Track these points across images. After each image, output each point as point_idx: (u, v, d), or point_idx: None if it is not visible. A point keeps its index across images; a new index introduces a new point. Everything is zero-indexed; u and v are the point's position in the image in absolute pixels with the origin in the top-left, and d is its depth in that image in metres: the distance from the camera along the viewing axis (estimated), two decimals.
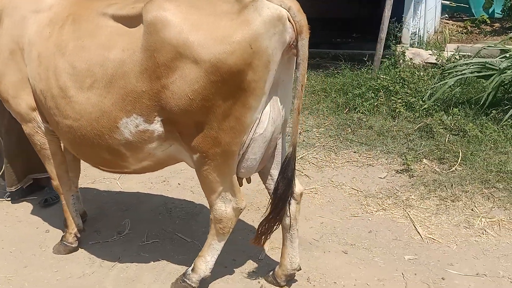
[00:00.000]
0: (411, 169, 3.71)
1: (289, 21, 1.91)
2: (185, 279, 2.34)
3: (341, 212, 3.23)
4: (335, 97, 5.30)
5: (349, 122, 4.69)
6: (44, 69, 2.22)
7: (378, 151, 4.10)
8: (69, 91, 2.12)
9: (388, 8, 6.02)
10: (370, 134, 4.40)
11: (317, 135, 4.48)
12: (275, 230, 2.27)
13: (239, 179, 2.29)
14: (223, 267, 2.57)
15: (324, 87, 5.68)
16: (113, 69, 1.99)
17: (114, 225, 3.08)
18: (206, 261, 2.35)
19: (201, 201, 3.34)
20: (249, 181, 2.39)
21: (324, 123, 4.71)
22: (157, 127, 2.06)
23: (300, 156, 4.05)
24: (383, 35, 6.04)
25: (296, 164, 2.25)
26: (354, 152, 4.14)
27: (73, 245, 2.74)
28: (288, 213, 2.31)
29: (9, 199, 3.36)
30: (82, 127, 2.15)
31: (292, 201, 2.31)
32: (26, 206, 3.32)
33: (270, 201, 2.21)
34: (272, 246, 2.77)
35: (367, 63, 6.10)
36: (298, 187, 2.32)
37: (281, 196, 2.18)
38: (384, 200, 3.36)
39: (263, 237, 2.26)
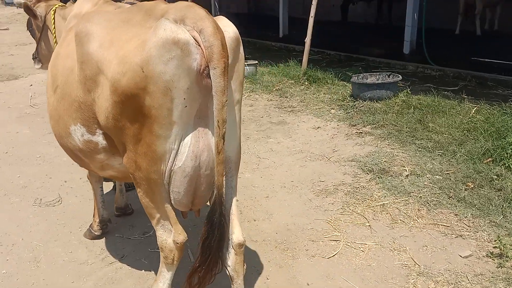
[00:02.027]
0: (504, 255, 2.70)
1: (200, 45, 1.74)
2: None
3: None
4: (481, 139, 4.25)
5: (478, 176, 3.70)
6: None
7: (486, 221, 3.13)
8: (47, 93, 2.46)
9: None
10: (492, 196, 3.39)
11: (425, 182, 3.72)
12: (210, 282, 2.08)
13: (183, 212, 2.20)
14: None
15: (474, 123, 4.61)
16: (66, 77, 2.21)
17: (149, 224, 3.35)
18: (158, 287, 2.35)
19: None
20: (184, 216, 2.27)
21: (448, 170, 3.86)
22: (100, 139, 2.17)
23: (383, 203, 3.48)
24: None
25: (232, 208, 2.03)
26: (454, 215, 3.27)
27: (96, 233, 3.13)
28: (226, 265, 2.08)
29: None
30: (53, 127, 2.45)
31: (230, 252, 2.07)
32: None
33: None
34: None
35: None
36: (236, 236, 2.07)
37: (207, 244, 1.98)
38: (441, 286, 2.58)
39: None
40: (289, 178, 4.08)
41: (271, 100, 6.53)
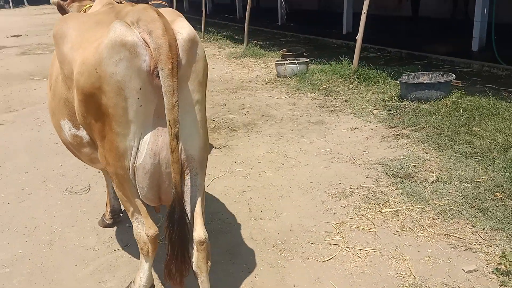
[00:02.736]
0: (510, 273, 2.48)
1: (149, 47, 1.83)
2: None
3: None
4: None
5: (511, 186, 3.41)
6: None
7: (504, 236, 2.88)
8: (47, 90, 2.69)
9: None
10: None
11: (450, 190, 3.50)
12: (186, 274, 2.18)
13: (155, 207, 2.32)
14: None
15: None
16: (56, 75, 2.42)
17: (157, 216, 3.53)
18: (139, 277, 2.50)
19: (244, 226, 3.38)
20: (156, 210, 2.37)
21: (480, 178, 3.61)
22: (83, 134, 2.34)
23: (397, 209, 3.35)
24: None
25: (196, 207, 2.11)
26: (471, 226, 3.06)
27: (108, 222, 3.37)
28: (191, 261, 2.17)
29: None
30: (52, 121, 2.68)
31: (193, 248, 2.15)
32: None
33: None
34: None
35: None
36: (197, 233, 2.14)
37: (170, 239, 2.08)
38: None
39: (175, 279, 2.21)
40: (309, 179, 4.05)
41: (315, 99, 6.48)
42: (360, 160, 4.36)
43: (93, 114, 2.01)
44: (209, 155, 4.48)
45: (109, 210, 3.39)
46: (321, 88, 6.83)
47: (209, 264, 2.23)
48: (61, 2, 3.55)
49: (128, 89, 1.87)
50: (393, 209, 3.40)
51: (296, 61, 7.65)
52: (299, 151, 4.71)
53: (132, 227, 2.22)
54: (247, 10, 10.04)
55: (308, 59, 7.91)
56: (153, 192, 2.13)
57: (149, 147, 1.99)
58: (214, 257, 2.98)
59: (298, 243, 3.11)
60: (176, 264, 2.12)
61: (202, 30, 12.60)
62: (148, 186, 2.09)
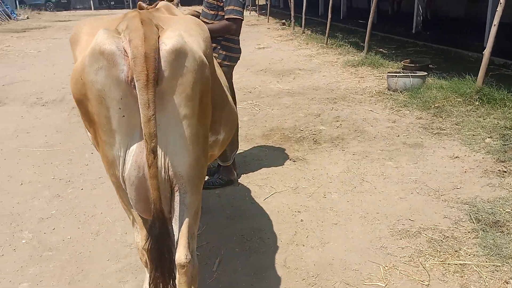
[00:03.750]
0: None
1: (128, 56, 1.77)
2: None
3: None
4: None
5: None
6: None
7: None
8: None
9: None
10: None
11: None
12: None
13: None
14: None
15: None
16: None
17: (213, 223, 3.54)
18: (144, 286, 2.50)
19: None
20: None
21: None
22: None
23: (465, 262, 2.84)
24: None
25: (182, 227, 2.02)
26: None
27: None
28: (175, 282, 2.09)
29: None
30: None
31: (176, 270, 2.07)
32: None
33: None
34: None
35: None
36: (178, 255, 2.02)
37: (151, 256, 2.03)
38: None
39: None
40: (377, 209, 3.66)
41: (420, 118, 5.87)
42: (446, 195, 3.80)
43: (86, 121, 2.04)
44: (280, 167, 4.45)
45: None
46: (432, 106, 6.16)
47: None
48: (142, 4, 3.75)
49: (108, 98, 1.84)
50: (461, 261, 2.87)
51: (410, 74, 7.03)
52: (379, 176, 4.30)
53: None
54: (370, 16, 9.56)
55: (426, 73, 7.21)
56: (141, 205, 2.09)
57: (133, 159, 1.95)
58: (239, 276, 2.88)
59: (331, 281, 2.81)
60: (157, 284, 2.05)
61: (326, 35, 12.39)
62: (136, 198, 2.05)
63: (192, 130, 1.96)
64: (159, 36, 1.82)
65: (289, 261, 3.04)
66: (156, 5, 2.90)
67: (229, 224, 3.52)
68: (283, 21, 17.51)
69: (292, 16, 15.82)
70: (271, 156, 4.88)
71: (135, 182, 1.98)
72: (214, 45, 3.96)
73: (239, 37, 4.12)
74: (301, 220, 3.54)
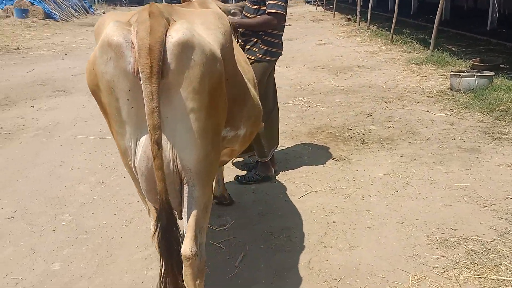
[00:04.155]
0: None
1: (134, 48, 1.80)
2: None
3: None
4: None
5: None
6: None
7: None
8: None
9: None
10: None
11: None
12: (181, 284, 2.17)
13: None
14: None
15: None
16: None
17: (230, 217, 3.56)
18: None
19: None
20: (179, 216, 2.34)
21: None
22: None
23: (503, 278, 2.64)
24: None
25: (189, 219, 2.04)
26: None
27: None
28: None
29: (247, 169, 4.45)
30: None
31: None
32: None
33: None
34: None
35: None
36: (184, 248, 2.04)
37: (159, 247, 2.08)
38: None
39: None
40: (417, 215, 3.49)
41: (481, 121, 5.50)
42: (496, 205, 3.54)
43: (101, 111, 2.11)
44: (322, 166, 4.36)
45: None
46: (497, 109, 5.75)
47: (197, 282, 2.13)
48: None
49: (117, 89, 1.89)
50: (499, 277, 2.66)
51: (475, 73, 6.61)
52: (426, 180, 4.09)
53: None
54: (438, 11, 9.09)
55: (493, 73, 6.74)
56: (151, 195, 2.13)
57: (143, 150, 1.99)
58: (260, 273, 2.87)
59: (354, 286, 2.72)
60: (167, 276, 2.10)
61: (391, 31, 11.95)
62: (146, 188, 2.09)
63: (200, 124, 1.96)
64: (167, 29, 1.85)
65: (314, 262, 2.98)
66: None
67: (259, 221, 3.52)
68: (349, 16, 17.13)
69: (358, 12, 15.42)
70: (314, 154, 4.80)
71: (145, 172, 2.02)
72: (254, 39, 3.96)
73: (281, 31, 4.08)
74: (333, 222, 3.45)
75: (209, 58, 1.92)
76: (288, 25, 16.90)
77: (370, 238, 3.21)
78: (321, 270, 2.89)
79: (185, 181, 2.05)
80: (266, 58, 3.98)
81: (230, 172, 4.41)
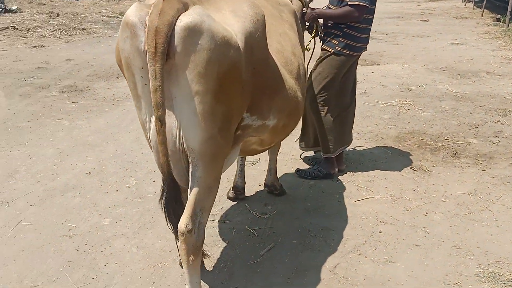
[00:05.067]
0: None
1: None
2: None
3: None
4: None
5: None
6: None
7: None
8: None
9: None
10: None
11: None
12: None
13: None
14: None
15: None
16: None
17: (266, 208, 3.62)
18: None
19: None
20: None
21: None
22: None
23: None
24: None
25: (189, 196, 2.19)
26: None
27: (230, 195, 3.72)
28: None
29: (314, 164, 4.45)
30: None
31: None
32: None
33: None
34: None
35: None
36: (179, 222, 2.19)
37: (165, 212, 2.26)
38: None
39: None
40: (481, 243, 3.19)
41: None
42: None
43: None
44: (394, 173, 4.16)
45: (232, 185, 3.71)
46: None
47: (191, 258, 2.25)
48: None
49: (133, 66, 2.07)
50: None
51: None
52: (510, 208, 3.67)
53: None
54: None
55: None
56: (163, 169, 2.30)
57: (153, 126, 2.16)
58: (281, 266, 2.92)
59: None
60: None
61: (507, 18, 10.50)
62: (157, 161, 2.27)
63: (205, 107, 2.06)
64: (181, 13, 1.96)
65: (340, 267, 2.92)
66: None
67: (302, 216, 3.52)
68: (498, 16, 15.48)
69: (508, 11, 13.86)
70: (392, 160, 4.58)
71: (155, 146, 2.20)
72: (335, 32, 3.89)
73: (368, 25, 3.94)
74: (380, 232, 3.31)
75: (219, 44, 1.99)
76: (425, 20, 15.95)
77: (412, 257, 3.03)
78: (344, 277, 2.83)
79: (190, 160, 2.18)
80: (345, 52, 3.90)
81: (296, 165, 4.44)
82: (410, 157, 4.65)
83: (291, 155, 4.69)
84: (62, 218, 3.45)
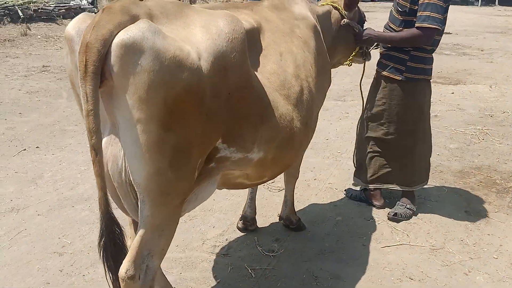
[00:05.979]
0: None
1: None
2: None
3: None
4: None
5: None
6: None
7: None
8: None
9: None
10: None
11: None
12: None
13: None
14: None
15: None
16: None
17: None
18: None
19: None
20: None
21: None
22: None
23: None
24: None
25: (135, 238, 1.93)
26: None
27: (238, 225, 3.43)
28: None
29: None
30: None
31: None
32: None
33: None
34: None
35: None
36: (121, 266, 1.93)
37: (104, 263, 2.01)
38: None
39: None
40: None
41: None
42: None
43: None
44: (443, 217, 3.62)
45: (242, 214, 3.43)
46: None
47: None
48: None
49: (76, 84, 1.88)
50: None
51: None
52: None
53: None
54: None
55: None
56: (116, 201, 2.08)
57: (102, 154, 1.94)
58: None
59: None
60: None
61: None
62: (110, 193, 2.05)
63: (149, 137, 1.79)
64: (122, 28, 1.72)
65: None
66: None
67: (314, 259, 3.13)
68: None
69: None
70: (445, 199, 4.00)
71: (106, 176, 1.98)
72: (400, 55, 3.45)
73: (435, 46, 3.48)
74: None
75: (166, 65, 1.73)
76: None
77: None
78: None
79: (138, 195, 1.93)
80: (417, 77, 3.48)
81: (330, 194, 4.04)
82: (469, 198, 4.05)
83: (327, 183, 4.28)
84: (61, 232, 3.39)
